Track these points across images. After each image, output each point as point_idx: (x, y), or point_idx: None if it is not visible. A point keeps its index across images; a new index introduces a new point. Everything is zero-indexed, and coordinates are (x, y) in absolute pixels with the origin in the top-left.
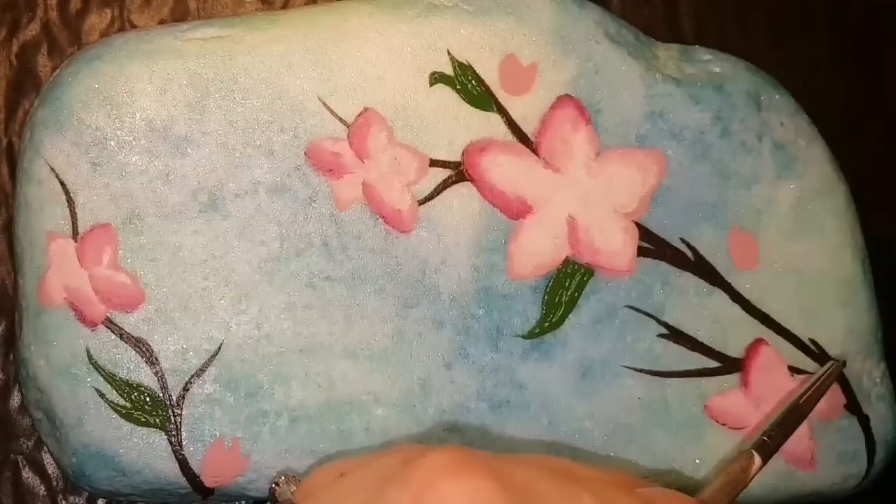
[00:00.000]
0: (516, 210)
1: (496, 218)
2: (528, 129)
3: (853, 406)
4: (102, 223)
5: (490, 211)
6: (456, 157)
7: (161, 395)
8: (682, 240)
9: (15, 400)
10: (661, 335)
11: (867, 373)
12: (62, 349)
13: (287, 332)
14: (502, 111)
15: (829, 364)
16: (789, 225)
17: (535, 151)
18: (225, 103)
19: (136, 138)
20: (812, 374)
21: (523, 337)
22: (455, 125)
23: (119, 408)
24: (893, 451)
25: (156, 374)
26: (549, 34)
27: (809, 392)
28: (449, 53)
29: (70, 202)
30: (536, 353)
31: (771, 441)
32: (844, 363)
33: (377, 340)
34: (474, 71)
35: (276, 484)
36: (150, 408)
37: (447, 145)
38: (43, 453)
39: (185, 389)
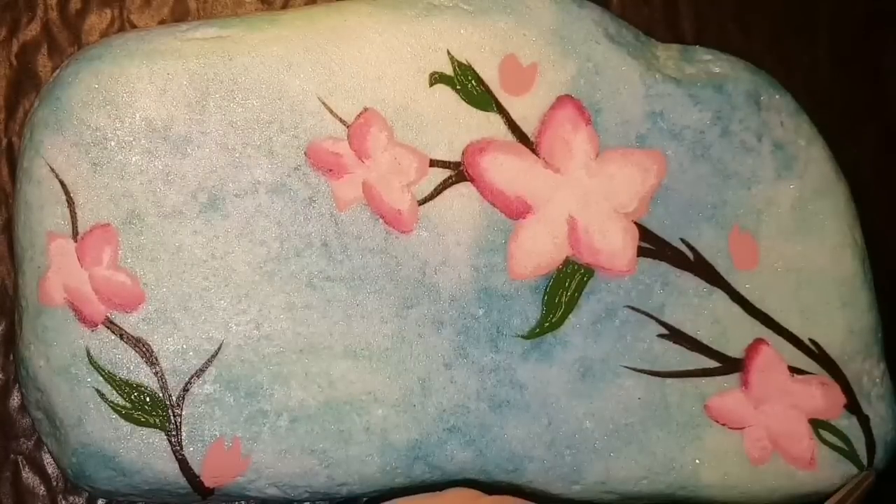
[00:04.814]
0: (516, 210)
1: (496, 218)
2: (528, 129)
3: (853, 406)
4: (102, 223)
5: (490, 211)
6: (456, 157)
7: (161, 395)
8: (682, 240)
9: (15, 400)
10: (661, 335)
11: (867, 373)
12: (62, 349)
13: (287, 332)
14: (502, 111)
15: (860, 475)
16: (789, 225)
17: (535, 151)
18: (225, 103)
19: (136, 138)
20: (813, 374)
21: (523, 337)
22: (455, 125)
23: (119, 408)
24: (893, 451)
25: (156, 374)
26: (549, 34)
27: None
28: (449, 53)
29: (70, 202)
30: (536, 353)
31: None
32: (874, 475)
33: (377, 340)
34: (474, 71)
35: None
36: (150, 408)
37: (447, 145)
38: (43, 453)
39: (185, 389)
